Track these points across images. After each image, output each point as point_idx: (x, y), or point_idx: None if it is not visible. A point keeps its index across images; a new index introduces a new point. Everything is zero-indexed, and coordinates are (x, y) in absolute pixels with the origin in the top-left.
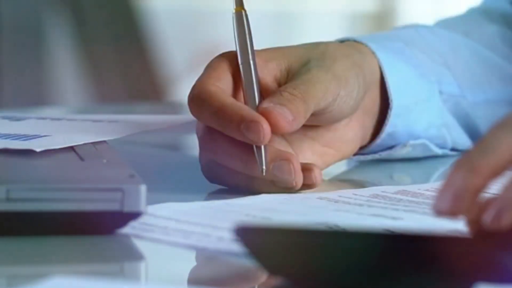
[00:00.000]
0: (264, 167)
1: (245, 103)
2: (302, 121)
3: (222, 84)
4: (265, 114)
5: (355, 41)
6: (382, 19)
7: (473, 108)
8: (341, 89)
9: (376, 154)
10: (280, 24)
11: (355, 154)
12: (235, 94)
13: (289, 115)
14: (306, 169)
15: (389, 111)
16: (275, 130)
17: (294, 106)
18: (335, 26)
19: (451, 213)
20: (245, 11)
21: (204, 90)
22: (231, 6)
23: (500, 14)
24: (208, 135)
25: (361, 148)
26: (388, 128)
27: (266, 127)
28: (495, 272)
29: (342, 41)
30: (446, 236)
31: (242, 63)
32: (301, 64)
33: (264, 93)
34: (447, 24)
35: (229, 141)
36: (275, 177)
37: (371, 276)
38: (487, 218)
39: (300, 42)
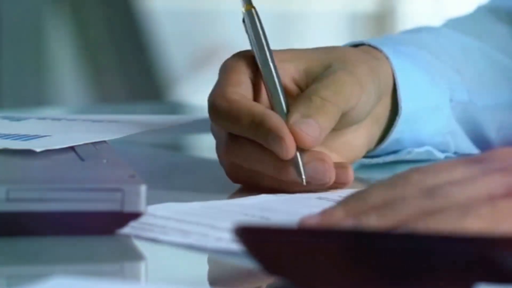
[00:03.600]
0: (303, 176)
1: (271, 106)
2: (327, 132)
3: (242, 89)
4: (293, 131)
5: (369, 45)
6: (382, 19)
7: (481, 113)
8: (363, 94)
9: (380, 159)
10: (280, 24)
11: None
12: (256, 96)
13: (316, 130)
14: (340, 167)
15: (397, 118)
16: (301, 146)
17: (323, 117)
18: (335, 26)
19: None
20: (255, 9)
21: (224, 99)
22: (231, 6)
23: (510, 13)
24: (232, 140)
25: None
26: (394, 134)
27: (290, 144)
28: (494, 272)
29: (356, 45)
30: (447, 236)
31: (262, 67)
32: (323, 66)
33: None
34: (457, 25)
35: (257, 147)
36: (312, 179)
37: (371, 276)
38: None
39: (300, 42)
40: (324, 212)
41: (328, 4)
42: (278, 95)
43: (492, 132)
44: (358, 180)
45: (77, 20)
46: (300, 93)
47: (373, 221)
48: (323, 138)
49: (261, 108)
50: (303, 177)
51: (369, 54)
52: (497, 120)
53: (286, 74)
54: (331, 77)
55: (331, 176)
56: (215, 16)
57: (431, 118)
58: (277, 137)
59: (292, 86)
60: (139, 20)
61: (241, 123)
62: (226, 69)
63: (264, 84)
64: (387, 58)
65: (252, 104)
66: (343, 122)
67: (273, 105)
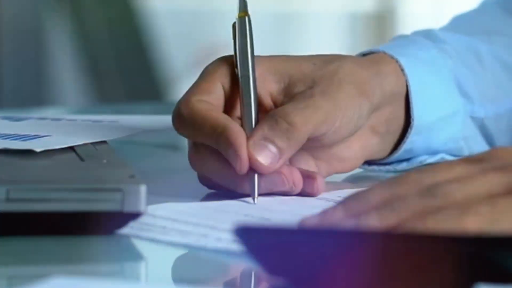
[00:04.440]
0: (256, 195)
1: (241, 117)
2: (288, 157)
3: (211, 98)
4: (249, 154)
5: (385, 53)
6: (382, 19)
7: (495, 120)
8: (338, 120)
9: (391, 167)
10: (280, 24)
11: (370, 165)
12: (229, 104)
13: (273, 156)
14: (309, 177)
15: (409, 129)
16: (255, 170)
17: (285, 143)
18: (335, 26)
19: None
20: (248, 16)
21: (188, 107)
22: (231, 7)
23: None
24: (195, 149)
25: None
26: (406, 145)
27: (244, 162)
28: (494, 272)
29: (371, 52)
30: (447, 236)
31: (241, 77)
32: (306, 85)
33: (258, 104)
34: (465, 24)
35: (217, 157)
36: (269, 191)
37: (370, 276)
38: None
39: (300, 42)
40: (324, 212)
41: (328, 4)
42: (250, 108)
43: (507, 140)
44: (354, 178)
45: (77, 20)
46: (272, 111)
47: (373, 221)
48: (279, 166)
49: (224, 119)
50: (255, 196)
51: (369, 70)
52: (507, 127)
53: (266, 88)
54: (307, 101)
55: (292, 186)
56: (215, 16)
57: (445, 126)
58: (235, 153)
59: (268, 102)
60: (139, 20)
61: (202, 132)
62: (202, 75)
63: (239, 94)
64: (402, 70)
65: (215, 114)
66: (317, 141)
67: (242, 118)
